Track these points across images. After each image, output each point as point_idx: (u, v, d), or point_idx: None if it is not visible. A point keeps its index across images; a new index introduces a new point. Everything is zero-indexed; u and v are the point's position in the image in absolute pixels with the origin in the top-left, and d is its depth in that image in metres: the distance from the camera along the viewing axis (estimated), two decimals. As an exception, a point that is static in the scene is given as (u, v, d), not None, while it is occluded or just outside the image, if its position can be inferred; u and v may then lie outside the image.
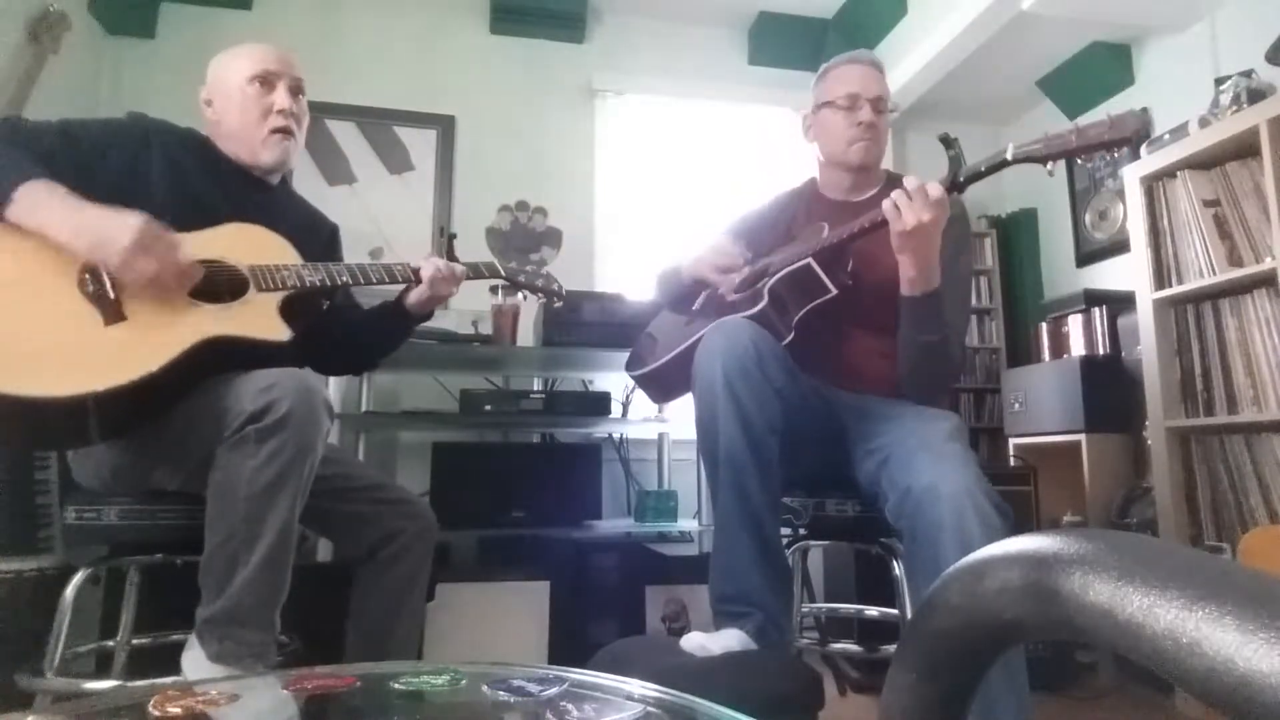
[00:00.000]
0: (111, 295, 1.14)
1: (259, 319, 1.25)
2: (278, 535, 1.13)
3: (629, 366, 1.64)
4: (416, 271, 1.45)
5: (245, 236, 1.33)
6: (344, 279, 1.37)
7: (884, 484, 1.27)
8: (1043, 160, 1.19)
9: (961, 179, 1.26)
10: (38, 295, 1.12)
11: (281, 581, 1.16)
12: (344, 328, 1.54)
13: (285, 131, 1.39)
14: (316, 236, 1.51)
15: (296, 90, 1.42)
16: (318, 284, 1.34)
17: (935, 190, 1.23)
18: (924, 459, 1.21)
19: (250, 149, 1.39)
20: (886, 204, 1.25)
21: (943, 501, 1.13)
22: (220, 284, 1.26)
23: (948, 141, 1.28)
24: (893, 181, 1.53)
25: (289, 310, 1.29)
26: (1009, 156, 1.21)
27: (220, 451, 1.14)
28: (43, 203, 1.12)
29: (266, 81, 1.38)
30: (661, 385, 1.60)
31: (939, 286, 1.30)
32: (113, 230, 1.10)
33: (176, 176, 1.32)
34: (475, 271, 1.54)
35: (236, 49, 1.42)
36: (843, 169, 1.56)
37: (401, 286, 1.49)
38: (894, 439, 1.31)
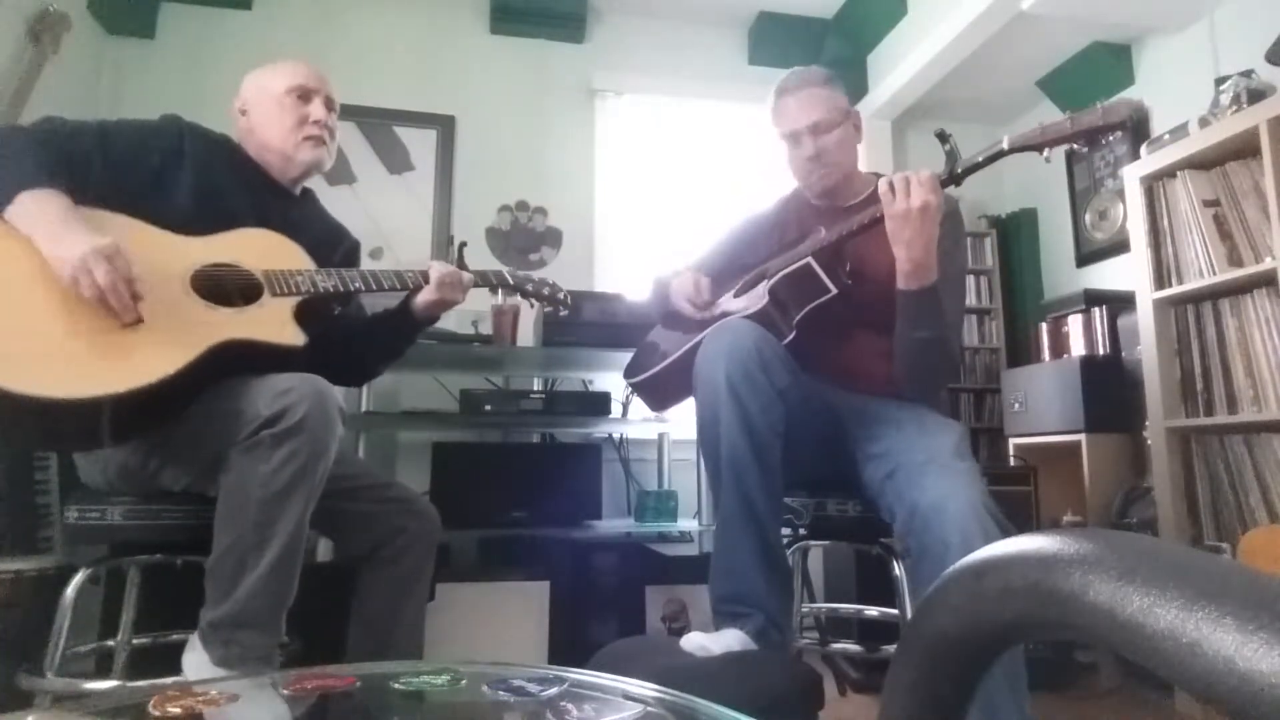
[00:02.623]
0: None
1: (274, 324, 1.26)
2: (288, 539, 1.13)
3: (628, 374, 1.64)
4: (426, 276, 1.46)
5: (260, 241, 1.34)
6: (356, 285, 1.38)
7: (890, 497, 1.27)
8: (1039, 148, 1.20)
9: (959, 170, 1.27)
10: (54, 296, 1.12)
11: (289, 586, 1.16)
12: (349, 336, 1.54)
13: (319, 140, 1.45)
14: (335, 249, 1.52)
15: (330, 106, 1.49)
16: (330, 290, 1.34)
17: (926, 175, 1.24)
18: (931, 475, 1.21)
19: (285, 153, 1.43)
20: (882, 185, 1.26)
21: (949, 520, 1.13)
22: (234, 287, 1.27)
23: (943, 136, 1.29)
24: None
25: (302, 316, 1.30)
26: (1005, 146, 1.23)
27: (234, 454, 1.14)
28: (35, 211, 1.12)
29: (304, 95, 1.44)
30: (660, 392, 1.60)
31: (935, 282, 1.30)
32: (70, 245, 1.09)
33: (205, 179, 1.34)
34: (484, 280, 1.54)
35: (275, 65, 1.48)
36: (811, 195, 1.56)
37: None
38: (899, 449, 1.30)
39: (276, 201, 1.45)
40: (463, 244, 1.66)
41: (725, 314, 1.48)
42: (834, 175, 1.50)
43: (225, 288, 1.26)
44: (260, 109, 1.44)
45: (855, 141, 1.53)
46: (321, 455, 1.16)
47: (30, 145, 1.18)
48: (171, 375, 1.12)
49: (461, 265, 1.55)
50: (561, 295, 1.65)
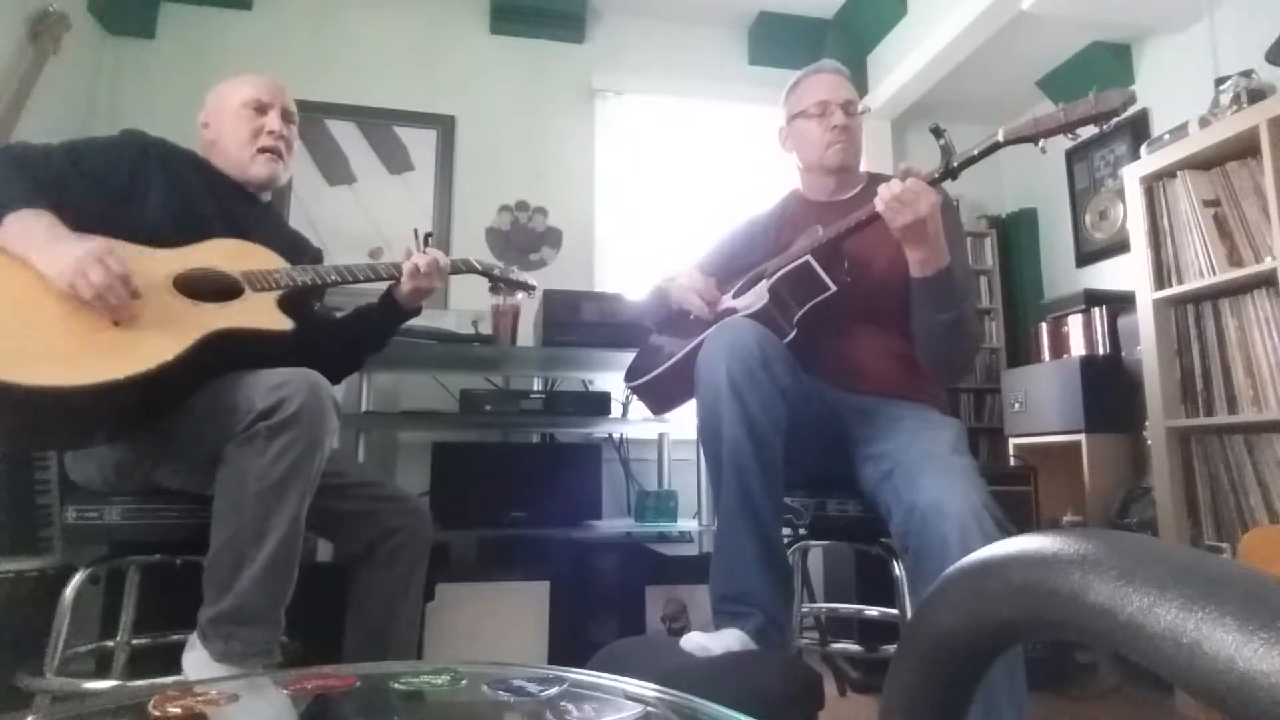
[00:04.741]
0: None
1: (261, 314, 1.28)
2: (286, 532, 1.14)
3: (628, 378, 1.64)
4: (399, 267, 1.50)
5: (234, 248, 1.37)
6: (332, 278, 1.42)
7: (888, 496, 1.27)
8: (1034, 139, 1.21)
9: (955, 164, 1.29)
10: (49, 301, 1.13)
11: (288, 579, 1.17)
12: (329, 333, 1.56)
13: (273, 151, 1.48)
14: (302, 256, 1.54)
15: (288, 118, 1.51)
16: (308, 283, 1.38)
17: (913, 182, 1.26)
18: (929, 474, 1.21)
19: (240, 165, 1.47)
20: (880, 206, 1.27)
21: (948, 520, 1.13)
22: (214, 290, 1.28)
23: (937, 131, 1.31)
24: (875, 180, 1.55)
25: (284, 311, 1.32)
26: (1000, 138, 1.24)
27: (230, 448, 1.15)
28: (24, 230, 1.15)
29: (260, 107, 1.48)
30: (661, 394, 1.60)
31: (949, 263, 1.32)
32: (63, 254, 1.12)
33: (174, 189, 1.36)
34: (453, 268, 1.59)
35: (234, 79, 1.52)
36: (823, 173, 1.59)
37: (386, 284, 1.54)
38: (897, 448, 1.30)
39: (245, 209, 1.47)
40: (428, 234, 1.70)
41: (728, 311, 1.48)
42: (851, 154, 1.57)
43: (206, 291, 1.27)
44: (219, 121, 1.48)
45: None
46: (317, 447, 1.17)
47: (7, 170, 1.20)
48: (169, 361, 1.13)
49: None
50: (528, 280, 1.72)
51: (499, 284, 1.70)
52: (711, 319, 1.49)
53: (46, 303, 1.13)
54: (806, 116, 1.57)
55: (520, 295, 1.77)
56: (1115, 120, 1.19)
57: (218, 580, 1.14)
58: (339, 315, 1.65)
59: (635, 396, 1.68)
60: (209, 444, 1.18)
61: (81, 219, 1.20)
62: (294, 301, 1.35)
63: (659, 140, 3.30)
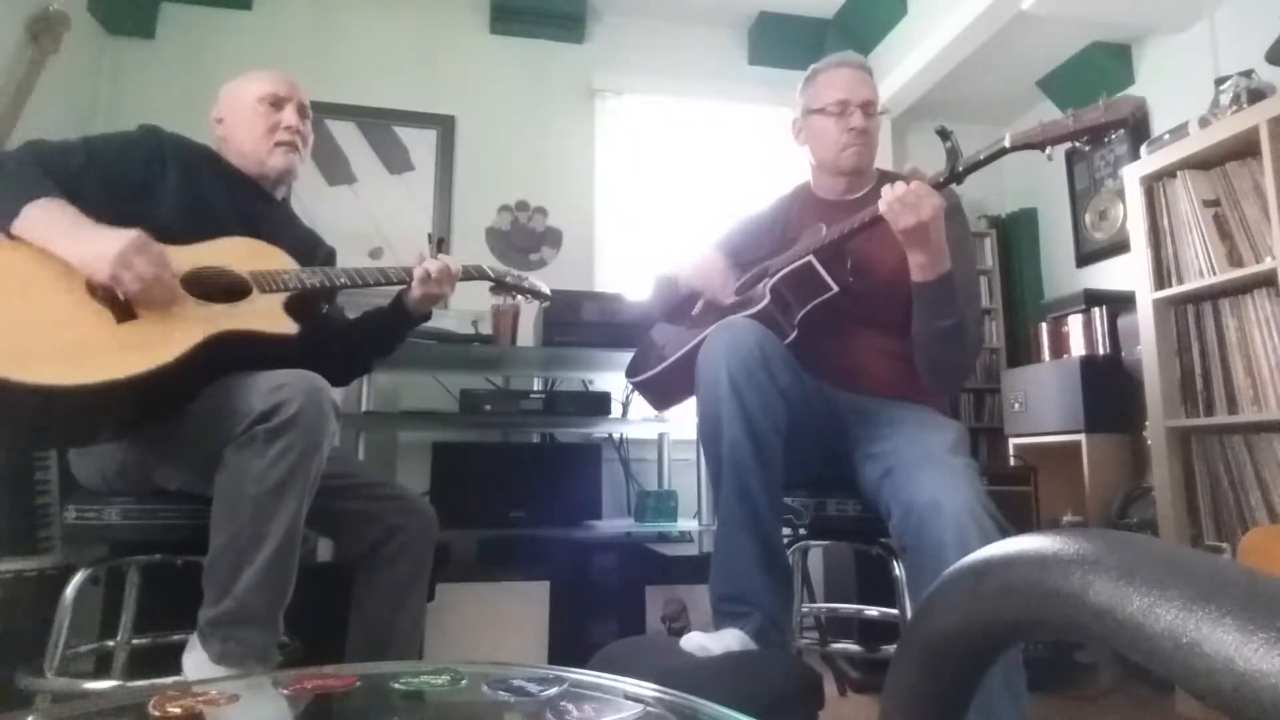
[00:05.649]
0: (122, 296, 1.16)
1: (266, 316, 1.28)
2: (284, 535, 1.14)
3: (629, 373, 1.64)
4: (410, 272, 1.49)
5: (244, 247, 1.36)
6: (341, 281, 1.41)
7: (886, 496, 1.27)
8: (1040, 146, 1.21)
9: (960, 169, 1.27)
10: (51, 299, 1.14)
11: (287, 582, 1.17)
12: (340, 334, 1.56)
13: (291, 145, 1.47)
14: (314, 254, 1.54)
15: (303, 113, 1.51)
16: (316, 285, 1.37)
17: (917, 184, 1.25)
18: (927, 474, 1.21)
19: (258, 159, 1.46)
20: (883, 207, 1.26)
21: (946, 519, 1.13)
22: (222, 289, 1.28)
23: (944, 134, 1.28)
24: (885, 179, 1.54)
25: (291, 313, 1.32)
26: (1007, 144, 1.23)
27: (228, 451, 1.15)
28: (46, 219, 1.16)
29: (276, 102, 1.47)
30: (662, 391, 1.60)
31: (950, 270, 1.31)
32: (102, 244, 1.13)
33: (189, 186, 1.36)
34: (465, 274, 1.57)
35: (249, 74, 1.51)
36: (835, 174, 1.57)
37: (396, 288, 1.52)
38: (896, 448, 1.30)
39: (259, 206, 1.47)
40: (440, 238, 1.68)
41: (731, 308, 1.48)
42: (865, 157, 1.54)
43: (214, 290, 1.27)
44: (234, 117, 1.47)
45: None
46: (316, 450, 1.17)
47: (24, 163, 1.21)
48: (170, 363, 1.13)
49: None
50: (542, 288, 1.69)
51: (512, 292, 1.67)
52: (724, 305, 1.48)
53: (51, 297, 1.13)
54: (824, 114, 1.52)
55: (520, 297, 1.75)
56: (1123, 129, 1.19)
57: (217, 582, 1.14)
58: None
59: (636, 392, 1.68)
60: (208, 446, 1.18)
61: (97, 215, 1.20)
62: (302, 303, 1.35)
63: (659, 140, 3.30)
